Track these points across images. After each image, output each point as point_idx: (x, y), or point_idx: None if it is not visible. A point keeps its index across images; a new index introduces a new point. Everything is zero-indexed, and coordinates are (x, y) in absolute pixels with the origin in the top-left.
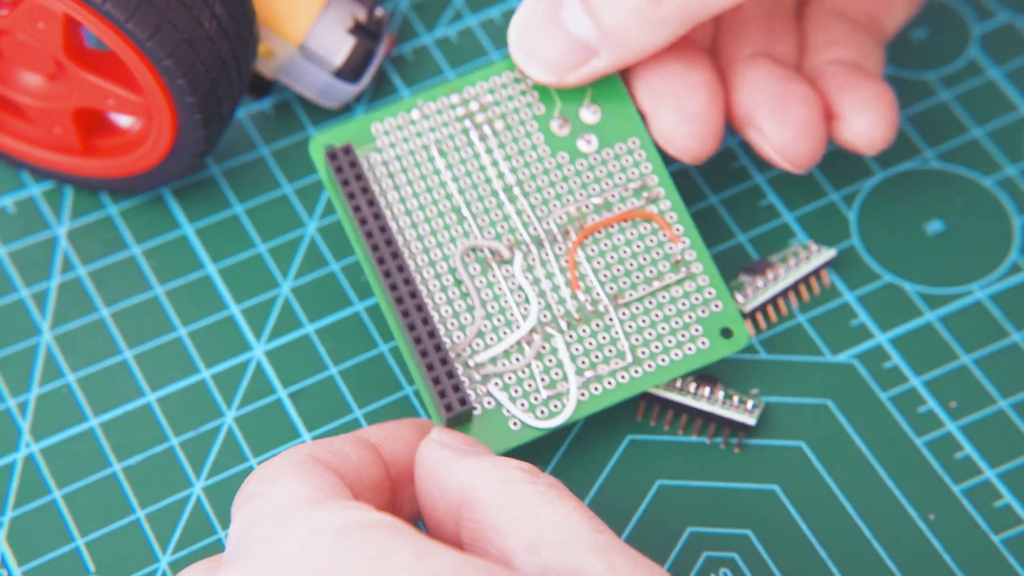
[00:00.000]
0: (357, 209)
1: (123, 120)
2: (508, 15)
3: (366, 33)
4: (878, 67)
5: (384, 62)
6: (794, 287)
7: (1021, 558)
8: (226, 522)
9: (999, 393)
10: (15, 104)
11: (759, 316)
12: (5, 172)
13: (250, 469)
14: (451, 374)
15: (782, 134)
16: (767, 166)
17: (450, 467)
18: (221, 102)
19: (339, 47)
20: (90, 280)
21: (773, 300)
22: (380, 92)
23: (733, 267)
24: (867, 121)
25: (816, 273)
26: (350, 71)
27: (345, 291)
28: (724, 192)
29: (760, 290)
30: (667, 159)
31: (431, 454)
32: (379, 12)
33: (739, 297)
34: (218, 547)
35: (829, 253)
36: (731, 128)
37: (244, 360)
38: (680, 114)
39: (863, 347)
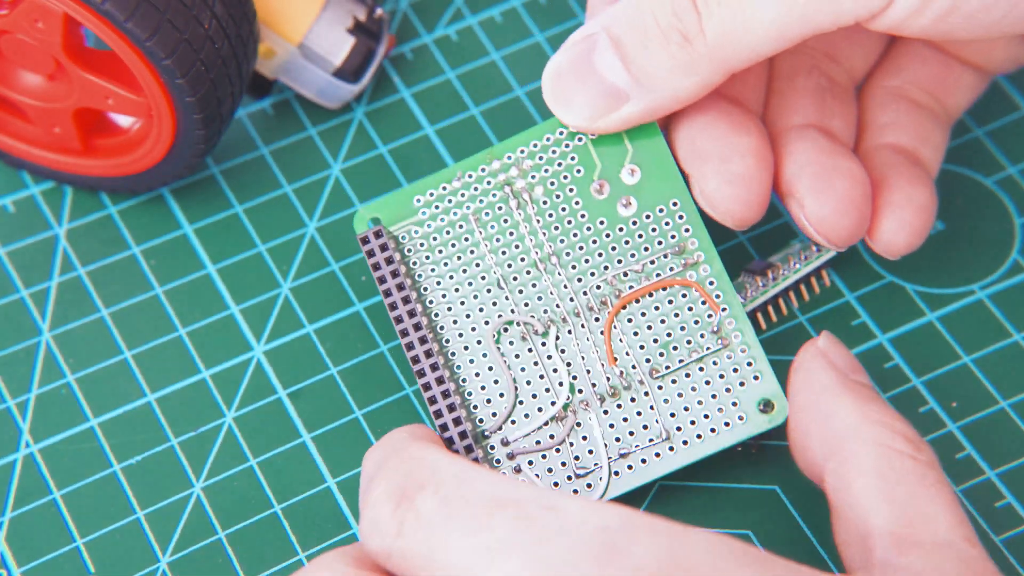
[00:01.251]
0: (388, 294)
1: (123, 120)
2: (508, 15)
3: (366, 33)
4: (938, 152)
5: (384, 62)
6: (795, 287)
7: (1021, 558)
8: (226, 522)
9: (999, 393)
10: (15, 104)
11: (759, 316)
12: (5, 172)
13: (250, 469)
14: (469, 448)
15: (821, 208)
16: None
17: (836, 400)
18: (221, 102)
19: (339, 47)
20: (90, 280)
21: (773, 300)
22: (380, 92)
23: (733, 267)
24: (890, 227)
25: (816, 273)
26: (350, 71)
27: (345, 291)
28: None
29: (760, 290)
30: (707, 219)
31: (820, 374)
32: (379, 12)
33: (739, 297)
34: (219, 547)
35: (830, 253)
36: (776, 198)
37: (244, 360)
38: (725, 177)
39: (863, 347)
